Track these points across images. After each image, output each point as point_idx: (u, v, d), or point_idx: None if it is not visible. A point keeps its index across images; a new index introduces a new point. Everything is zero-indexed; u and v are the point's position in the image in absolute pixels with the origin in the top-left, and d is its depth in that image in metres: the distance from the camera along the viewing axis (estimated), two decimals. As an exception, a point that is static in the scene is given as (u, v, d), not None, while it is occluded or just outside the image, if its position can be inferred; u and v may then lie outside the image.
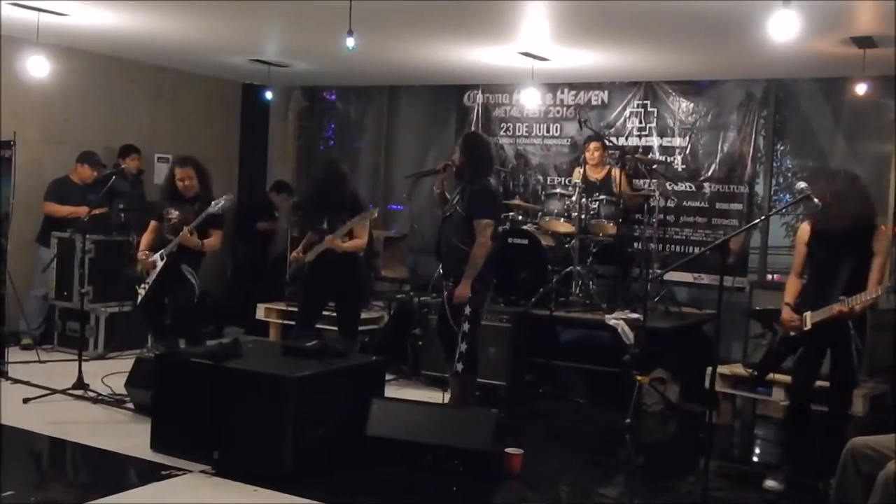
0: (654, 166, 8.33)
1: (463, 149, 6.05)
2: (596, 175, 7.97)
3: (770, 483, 5.17)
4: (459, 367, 5.87)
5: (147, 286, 6.49)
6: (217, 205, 6.36)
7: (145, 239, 6.68)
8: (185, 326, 6.55)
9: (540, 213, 7.92)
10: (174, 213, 6.56)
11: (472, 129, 9.51)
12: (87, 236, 7.27)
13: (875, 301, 4.96)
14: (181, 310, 6.54)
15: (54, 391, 6.21)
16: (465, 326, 5.85)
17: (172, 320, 6.59)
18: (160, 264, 6.43)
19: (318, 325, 6.75)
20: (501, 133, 9.45)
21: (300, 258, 6.49)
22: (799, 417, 5.25)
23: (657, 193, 7.88)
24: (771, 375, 5.60)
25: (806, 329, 5.03)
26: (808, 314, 5.03)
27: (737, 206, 8.26)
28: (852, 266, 4.95)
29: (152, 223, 6.71)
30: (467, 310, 5.83)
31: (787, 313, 5.19)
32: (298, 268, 6.50)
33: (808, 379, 5.19)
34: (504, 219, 6.29)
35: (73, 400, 6.18)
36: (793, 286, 5.31)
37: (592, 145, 8.00)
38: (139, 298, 6.58)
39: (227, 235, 7.01)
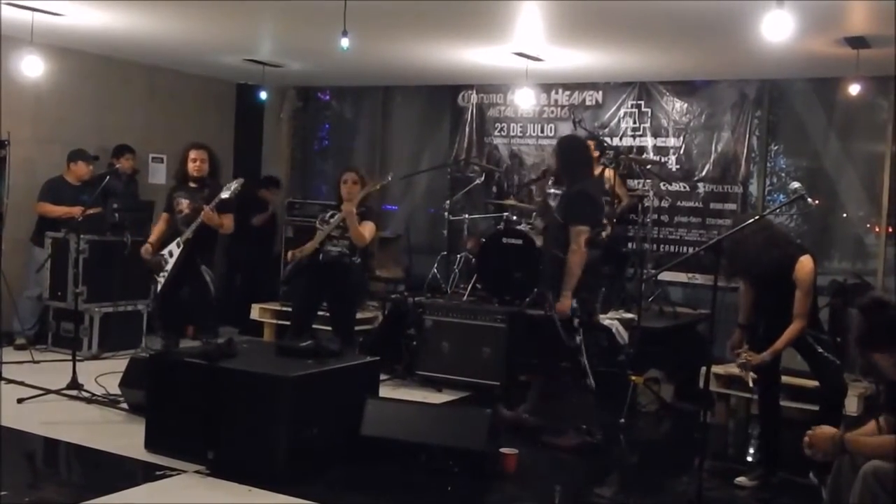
0: (648, 166, 8.34)
1: (557, 153, 5.97)
2: (591, 176, 7.96)
3: (741, 479, 5.21)
4: (591, 382, 5.72)
5: (165, 275, 6.61)
6: (229, 189, 6.51)
7: (157, 230, 6.84)
8: (201, 322, 6.91)
9: (534, 214, 7.92)
10: (184, 203, 6.65)
11: (467, 129, 9.56)
12: (82, 236, 7.26)
13: (787, 345, 4.97)
14: (199, 308, 6.79)
15: (48, 391, 6.20)
16: (578, 339, 5.68)
17: (187, 317, 6.92)
18: (177, 252, 6.56)
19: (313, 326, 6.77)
20: (496, 133, 9.46)
21: (297, 258, 6.48)
22: (766, 419, 5.30)
23: (651, 193, 7.89)
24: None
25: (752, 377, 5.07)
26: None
27: (731, 206, 8.27)
28: (776, 304, 5.00)
29: (164, 215, 6.86)
30: (576, 322, 5.65)
31: (735, 338, 5.24)
32: (295, 266, 6.49)
33: (766, 387, 5.24)
34: (600, 223, 5.79)
35: (68, 400, 6.17)
36: (744, 303, 5.33)
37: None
38: (158, 287, 6.72)
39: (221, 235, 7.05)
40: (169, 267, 6.62)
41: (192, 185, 6.74)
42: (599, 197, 5.79)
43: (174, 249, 6.61)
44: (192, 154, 6.75)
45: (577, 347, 5.69)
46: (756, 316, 5.24)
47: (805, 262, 4.92)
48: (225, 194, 6.50)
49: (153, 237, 6.82)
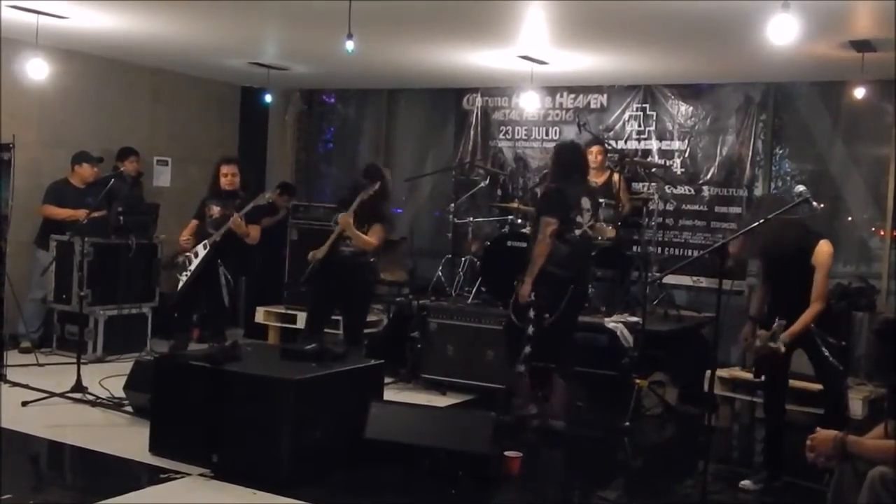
0: (653, 170, 8.33)
1: (552, 156, 6.52)
2: (596, 179, 7.96)
3: (745, 482, 5.20)
4: (521, 368, 6.05)
5: (188, 274, 6.85)
6: (264, 197, 6.85)
7: (185, 234, 7.02)
8: (210, 325, 7.16)
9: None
10: (216, 209, 6.92)
11: (472, 132, 9.56)
12: (86, 239, 7.28)
13: (805, 327, 4.94)
14: (210, 311, 7.09)
15: (53, 394, 6.21)
16: (529, 330, 6.00)
17: (204, 318, 7.27)
18: (203, 253, 6.78)
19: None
20: (500, 136, 9.46)
21: (316, 259, 6.49)
22: (772, 420, 5.27)
23: (656, 197, 7.88)
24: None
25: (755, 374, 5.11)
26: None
27: (735, 210, 8.27)
28: (794, 285, 4.98)
29: (192, 221, 7.06)
30: (531, 313, 5.99)
31: (746, 329, 5.23)
32: (314, 267, 6.52)
33: (775, 385, 5.22)
34: (570, 220, 6.09)
35: (72, 403, 6.17)
36: (757, 297, 5.31)
37: (595, 149, 7.97)
38: (180, 285, 6.94)
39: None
40: (192, 267, 6.84)
41: (224, 195, 7.00)
42: (576, 198, 6.15)
43: (200, 251, 6.83)
44: (224, 169, 6.99)
45: (527, 337, 6.02)
46: (769, 308, 5.19)
47: (824, 246, 4.97)
48: (260, 201, 6.79)
49: (184, 237, 7.03)
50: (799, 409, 5.99)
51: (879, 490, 3.35)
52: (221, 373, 4.96)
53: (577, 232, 6.12)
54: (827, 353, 5.01)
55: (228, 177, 6.96)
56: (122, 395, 6.07)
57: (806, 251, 4.97)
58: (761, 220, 4.79)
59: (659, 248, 8.20)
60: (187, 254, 6.90)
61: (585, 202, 6.21)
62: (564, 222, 6.01)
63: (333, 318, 7.00)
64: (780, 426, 5.23)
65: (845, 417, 5.30)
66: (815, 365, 5.16)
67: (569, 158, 6.29)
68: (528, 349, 6.04)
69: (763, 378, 5.29)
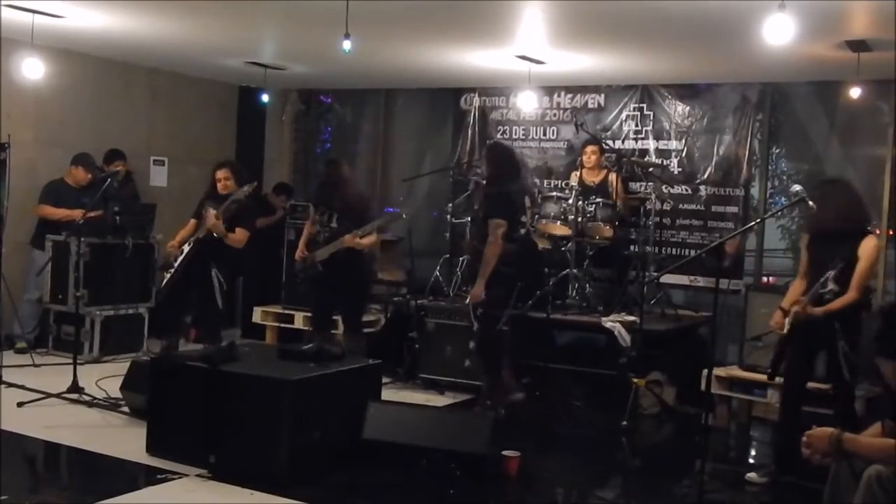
0: (651, 169, 8.34)
1: (486, 158, 6.61)
2: (593, 179, 7.97)
3: (751, 475, 5.23)
4: (466, 363, 6.40)
5: (172, 272, 6.82)
6: (241, 191, 6.76)
7: (181, 234, 7.02)
8: (205, 327, 7.11)
9: (536, 216, 7.91)
10: (210, 212, 6.87)
11: (469, 132, 9.57)
12: (82, 239, 7.26)
13: (847, 306, 4.98)
14: (203, 312, 7.05)
15: (49, 395, 6.20)
16: (475, 326, 6.32)
17: (194, 318, 7.21)
18: (187, 249, 6.77)
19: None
20: (498, 136, 9.45)
21: (307, 256, 6.55)
22: (788, 417, 5.27)
23: (653, 196, 7.89)
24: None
25: (784, 331, 5.09)
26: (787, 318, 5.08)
27: (732, 209, 8.27)
28: (838, 268, 4.99)
29: (191, 221, 7.04)
30: (479, 310, 6.27)
31: (776, 316, 5.24)
32: (309, 266, 6.54)
33: (794, 380, 5.23)
34: (518, 220, 6.40)
35: (68, 404, 6.16)
36: (793, 290, 5.32)
37: (589, 149, 8.00)
38: (164, 282, 6.93)
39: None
40: (178, 264, 6.81)
41: (220, 198, 6.96)
42: (520, 198, 6.42)
43: (185, 248, 6.82)
44: (218, 174, 6.98)
45: (473, 333, 6.41)
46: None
47: (872, 239, 5.08)
48: (236, 196, 6.72)
49: (177, 238, 7.01)
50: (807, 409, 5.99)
51: (876, 489, 3.35)
52: (219, 373, 4.95)
53: (522, 231, 6.38)
54: (843, 361, 5.00)
55: (222, 181, 6.92)
56: (119, 395, 6.06)
57: (856, 236, 5.04)
58: (756, 221, 4.81)
59: (656, 248, 8.19)
60: (176, 252, 6.89)
61: (527, 200, 6.51)
62: (511, 223, 6.22)
63: (334, 317, 7.01)
64: (796, 422, 5.18)
65: (854, 420, 5.29)
66: (828, 364, 5.18)
67: (502, 158, 6.47)
68: (471, 344, 6.37)
69: (776, 379, 5.29)
